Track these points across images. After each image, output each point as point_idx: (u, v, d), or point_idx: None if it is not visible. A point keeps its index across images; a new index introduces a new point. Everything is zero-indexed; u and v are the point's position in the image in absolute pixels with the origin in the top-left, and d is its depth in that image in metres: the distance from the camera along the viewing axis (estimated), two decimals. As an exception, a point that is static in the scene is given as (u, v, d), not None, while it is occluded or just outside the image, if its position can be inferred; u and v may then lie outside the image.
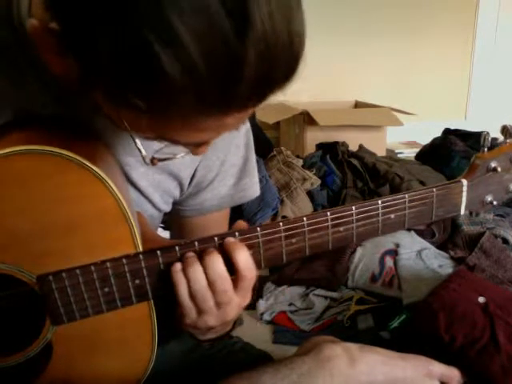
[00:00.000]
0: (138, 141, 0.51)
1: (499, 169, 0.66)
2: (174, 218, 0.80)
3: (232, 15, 0.39)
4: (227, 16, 0.39)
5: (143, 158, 0.53)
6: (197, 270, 0.53)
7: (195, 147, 0.55)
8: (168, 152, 0.55)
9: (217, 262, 0.53)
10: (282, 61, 0.43)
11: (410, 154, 2.89)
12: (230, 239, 0.55)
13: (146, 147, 0.65)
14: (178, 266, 0.53)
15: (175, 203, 0.77)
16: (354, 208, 0.59)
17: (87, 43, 0.42)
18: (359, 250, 1.65)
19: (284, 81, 0.46)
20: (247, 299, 0.58)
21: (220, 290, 0.54)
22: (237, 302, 0.56)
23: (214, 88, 0.42)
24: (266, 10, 0.40)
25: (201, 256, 0.54)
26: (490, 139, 0.66)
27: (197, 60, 0.40)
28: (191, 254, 0.54)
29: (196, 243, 0.55)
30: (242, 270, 0.54)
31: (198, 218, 0.78)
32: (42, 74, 0.57)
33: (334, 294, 1.55)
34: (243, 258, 0.54)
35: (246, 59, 0.40)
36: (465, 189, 0.65)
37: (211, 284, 0.54)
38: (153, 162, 0.54)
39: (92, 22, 0.41)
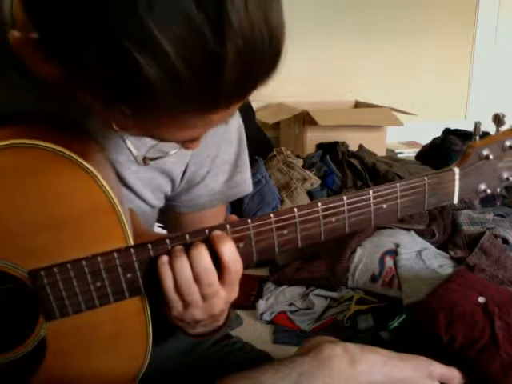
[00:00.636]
0: (128, 142, 0.52)
1: (491, 156, 0.66)
2: (169, 215, 0.80)
3: (207, 15, 0.39)
4: (203, 16, 0.39)
5: (135, 158, 0.53)
6: (183, 263, 0.53)
7: (186, 142, 0.55)
8: (160, 149, 0.55)
9: (202, 255, 0.53)
10: (262, 56, 0.43)
11: (410, 153, 2.89)
12: (217, 232, 0.55)
13: (139, 145, 0.65)
14: (164, 258, 0.53)
15: (169, 199, 0.77)
16: (345, 198, 0.59)
17: (68, 49, 0.43)
18: (359, 250, 1.64)
19: (266, 75, 0.46)
20: (234, 293, 0.58)
21: (205, 283, 0.54)
22: (223, 295, 0.56)
23: (196, 88, 0.42)
24: (242, 7, 0.40)
25: (188, 249, 0.54)
26: (481, 128, 0.66)
27: (176, 63, 0.40)
28: (179, 247, 0.54)
29: (187, 236, 0.55)
30: (227, 262, 0.54)
31: (193, 214, 0.78)
32: (30, 77, 0.57)
33: (334, 294, 1.55)
34: (228, 250, 0.54)
35: (226, 57, 0.41)
36: (457, 177, 0.65)
37: (196, 277, 0.53)
38: (145, 161, 0.55)
39: (71, 29, 0.41)
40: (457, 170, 0.65)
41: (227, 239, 0.54)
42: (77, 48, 0.42)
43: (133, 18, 0.39)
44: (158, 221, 0.82)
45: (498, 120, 0.66)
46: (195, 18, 0.39)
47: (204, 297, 0.55)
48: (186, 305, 0.55)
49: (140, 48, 0.39)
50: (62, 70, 0.46)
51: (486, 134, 0.67)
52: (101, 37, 0.40)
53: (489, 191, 0.68)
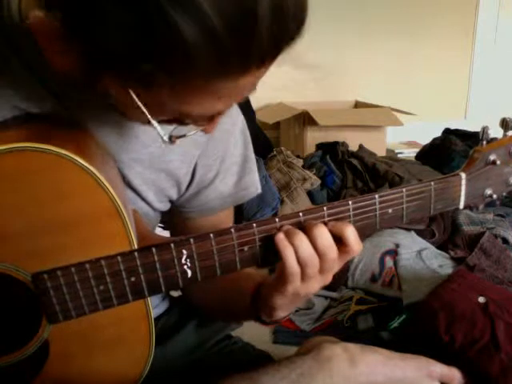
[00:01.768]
0: (154, 122, 0.51)
1: (498, 162, 0.65)
2: (177, 222, 0.79)
3: None
4: None
5: (161, 138, 0.53)
6: (302, 239, 0.56)
7: (207, 122, 0.55)
8: (179, 133, 0.56)
9: (325, 233, 0.56)
10: (292, 11, 0.45)
11: (410, 153, 2.89)
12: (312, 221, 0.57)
13: (151, 141, 0.65)
14: (281, 235, 0.56)
15: (177, 205, 0.76)
16: (350, 203, 0.59)
17: (95, 20, 0.43)
18: (359, 250, 1.64)
19: (294, 33, 0.47)
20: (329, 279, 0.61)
21: (329, 258, 0.57)
22: (336, 269, 0.59)
23: (233, 45, 0.43)
24: None
25: (307, 229, 0.56)
26: (489, 132, 0.65)
27: (214, 20, 0.41)
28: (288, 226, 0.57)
29: (191, 240, 0.54)
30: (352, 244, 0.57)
31: (202, 219, 0.78)
32: (38, 72, 0.57)
33: (334, 294, 1.55)
34: (352, 232, 0.57)
35: (260, 12, 0.42)
36: (463, 182, 0.64)
37: (320, 253, 0.56)
38: (171, 139, 0.55)
39: None
40: (463, 175, 0.64)
41: (349, 224, 0.57)
42: (105, 16, 0.42)
43: None
44: (159, 221, 0.82)
45: (505, 124, 0.65)
46: None
47: (322, 270, 0.58)
48: (306, 277, 0.57)
49: (176, 6, 0.40)
50: (81, 52, 0.46)
51: (493, 140, 0.66)
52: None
53: (495, 196, 0.68)
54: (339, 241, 0.57)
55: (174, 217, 0.79)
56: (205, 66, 0.44)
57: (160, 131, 0.52)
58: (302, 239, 0.55)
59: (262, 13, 0.42)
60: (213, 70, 0.45)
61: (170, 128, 0.55)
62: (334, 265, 0.58)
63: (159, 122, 0.52)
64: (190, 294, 0.81)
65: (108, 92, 0.50)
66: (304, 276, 0.57)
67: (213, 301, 0.78)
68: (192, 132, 0.57)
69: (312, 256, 0.56)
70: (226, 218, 0.80)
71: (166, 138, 0.54)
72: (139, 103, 0.49)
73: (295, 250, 0.55)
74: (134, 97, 0.48)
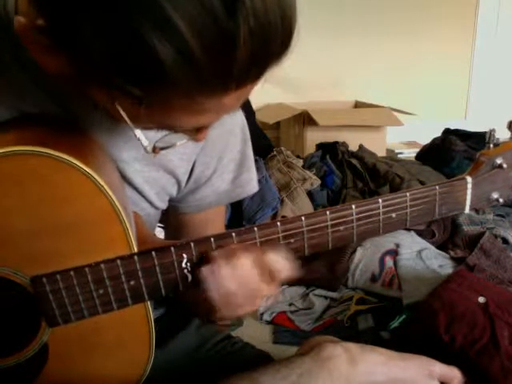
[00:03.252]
0: (137, 131, 0.51)
1: (505, 165, 0.64)
2: (171, 216, 0.80)
3: None
4: None
5: (144, 148, 0.53)
6: (227, 272, 0.54)
7: (195, 133, 0.55)
8: (168, 141, 0.55)
9: (245, 264, 0.54)
10: (275, 35, 0.44)
11: (410, 153, 2.89)
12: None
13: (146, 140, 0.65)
14: (206, 269, 0.54)
15: (174, 201, 0.76)
16: (353, 207, 0.58)
17: (75, 35, 0.42)
18: (359, 250, 1.64)
19: (279, 55, 0.46)
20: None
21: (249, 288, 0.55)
22: (267, 292, 0.57)
23: (210, 68, 0.42)
24: None
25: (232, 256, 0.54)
26: (495, 135, 0.64)
27: (190, 42, 0.40)
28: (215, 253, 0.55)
29: (192, 244, 0.54)
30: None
31: (197, 214, 0.78)
32: (33, 72, 0.57)
33: (334, 294, 1.55)
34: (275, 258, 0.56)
35: (239, 36, 0.41)
36: (469, 186, 0.63)
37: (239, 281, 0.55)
38: (154, 150, 0.54)
39: (79, 12, 0.41)
40: (469, 179, 0.64)
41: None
42: (84, 32, 0.41)
43: None
44: (159, 221, 0.82)
45: None
46: None
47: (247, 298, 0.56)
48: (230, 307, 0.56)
49: (153, 27, 0.40)
50: (67, 60, 0.45)
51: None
52: (111, 18, 0.40)
53: (501, 200, 0.67)
54: (264, 267, 0.55)
55: (167, 213, 0.79)
56: (182, 86, 0.43)
57: (143, 141, 0.52)
58: (224, 273, 0.54)
59: (241, 36, 0.41)
60: (191, 91, 0.44)
61: (159, 134, 0.54)
62: (260, 292, 0.57)
63: (146, 128, 0.52)
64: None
65: (94, 97, 0.50)
66: (228, 305, 0.56)
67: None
68: (181, 142, 0.56)
69: (233, 288, 0.54)
70: (219, 214, 0.81)
71: (149, 148, 0.53)
72: (122, 113, 0.48)
73: (218, 284, 0.54)
74: (119, 108, 0.48)
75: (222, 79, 0.44)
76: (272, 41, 0.44)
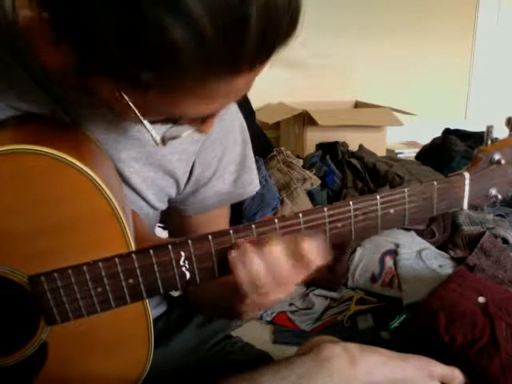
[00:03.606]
0: (146, 122, 0.51)
1: (503, 161, 0.63)
2: (174, 218, 0.80)
3: None
4: None
5: (154, 139, 0.53)
6: (253, 258, 0.54)
7: (201, 123, 0.55)
8: (173, 133, 0.55)
9: (276, 251, 0.55)
10: (284, 13, 0.45)
11: (410, 153, 2.89)
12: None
13: (146, 141, 0.65)
14: (233, 253, 0.55)
15: (176, 202, 0.76)
16: (351, 203, 0.58)
17: (85, 24, 0.42)
18: (359, 250, 1.64)
19: (288, 33, 0.47)
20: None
21: (281, 275, 0.56)
22: (296, 280, 0.58)
23: (223, 48, 0.43)
24: None
25: (261, 244, 0.55)
26: (493, 132, 0.64)
27: (203, 23, 0.41)
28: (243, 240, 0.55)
29: (189, 242, 0.54)
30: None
31: (199, 216, 0.78)
32: (32, 71, 0.57)
33: (334, 294, 1.55)
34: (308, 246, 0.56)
35: (250, 16, 0.42)
36: (467, 182, 0.63)
37: (271, 269, 0.55)
38: (163, 141, 0.54)
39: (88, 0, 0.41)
40: (467, 175, 0.63)
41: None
42: (94, 19, 0.42)
43: None
44: (159, 221, 0.82)
45: (510, 124, 0.65)
46: None
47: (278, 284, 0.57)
48: (260, 292, 0.56)
49: (166, 9, 0.40)
50: (73, 53, 0.46)
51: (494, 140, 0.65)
52: (122, 2, 0.40)
53: (500, 196, 0.66)
54: (297, 255, 0.56)
55: (170, 213, 0.79)
56: (194, 68, 0.44)
57: (152, 132, 0.52)
58: (252, 258, 0.54)
59: (253, 15, 0.42)
60: (203, 73, 0.45)
61: (164, 128, 0.55)
62: (291, 279, 0.57)
63: (152, 122, 0.52)
64: (188, 293, 0.81)
65: (98, 91, 0.50)
66: (258, 291, 0.56)
67: (210, 297, 0.78)
68: (186, 133, 0.56)
69: (262, 274, 0.55)
70: (223, 215, 0.80)
71: (158, 139, 0.53)
72: (130, 103, 0.48)
73: (246, 268, 0.54)
74: (126, 97, 0.48)
75: (235, 60, 0.44)
76: (282, 19, 0.45)
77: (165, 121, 0.53)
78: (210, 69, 0.44)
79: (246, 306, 0.60)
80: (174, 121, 0.54)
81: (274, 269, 0.55)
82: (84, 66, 0.47)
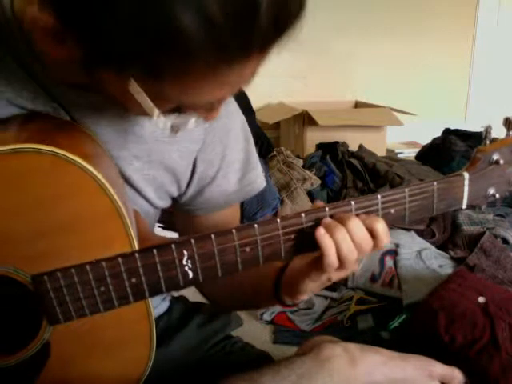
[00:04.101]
0: (156, 112, 0.51)
1: (502, 161, 0.64)
2: (185, 220, 0.79)
3: None
4: None
5: (164, 128, 0.53)
6: (345, 235, 0.57)
7: (208, 111, 0.55)
8: (179, 123, 0.56)
9: (361, 226, 0.57)
10: None
11: (410, 153, 2.89)
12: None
13: (149, 137, 0.65)
14: (322, 230, 0.56)
15: (184, 204, 0.76)
16: (353, 203, 0.58)
17: (95, 15, 0.43)
18: (359, 250, 1.64)
19: (297, 16, 0.47)
20: None
21: (365, 250, 0.58)
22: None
23: (233, 31, 0.43)
24: None
25: (342, 222, 0.57)
26: (491, 132, 0.65)
27: (213, 7, 0.41)
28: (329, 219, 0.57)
29: (192, 241, 0.54)
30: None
31: (208, 216, 0.78)
32: (32, 69, 0.57)
33: (334, 294, 1.55)
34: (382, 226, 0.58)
35: (260, 3, 0.42)
36: (466, 182, 0.64)
37: (358, 246, 0.58)
38: (173, 129, 0.55)
39: None
40: (466, 175, 0.64)
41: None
42: (104, 7, 0.42)
43: None
44: (158, 221, 0.82)
45: (508, 124, 0.65)
46: None
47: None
48: (342, 268, 0.59)
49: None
50: (81, 45, 0.46)
51: (493, 140, 0.66)
52: None
53: (498, 196, 0.67)
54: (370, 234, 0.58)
55: (180, 216, 0.79)
56: (205, 53, 0.44)
57: (162, 120, 0.52)
58: (344, 234, 0.56)
59: (263, 1, 0.42)
60: (214, 57, 0.45)
61: (169, 121, 0.55)
62: (363, 254, 0.60)
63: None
64: (203, 286, 0.81)
65: (105, 84, 0.50)
66: (341, 267, 0.58)
67: (229, 289, 0.78)
68: (193, 120, 0.56)
69: (352, 250, 0.57)
70: (232, 215, 0.80)
71: (168, 125, 0.54)
72: (141, 91, 0.49)
73: (337, 245, 0.56)
74: (137, 86, 0.48)
75: (246, 45, 0.45)
76: (292, 2, 0.45)
77: (171, 111, 0.53)
78: (221, 55, 0.45)
79: (315, 284, 0.62)
80: (179, 111, 0.54)
81: (361, 245, 0.57)
82: (93, 58, 0.47)
